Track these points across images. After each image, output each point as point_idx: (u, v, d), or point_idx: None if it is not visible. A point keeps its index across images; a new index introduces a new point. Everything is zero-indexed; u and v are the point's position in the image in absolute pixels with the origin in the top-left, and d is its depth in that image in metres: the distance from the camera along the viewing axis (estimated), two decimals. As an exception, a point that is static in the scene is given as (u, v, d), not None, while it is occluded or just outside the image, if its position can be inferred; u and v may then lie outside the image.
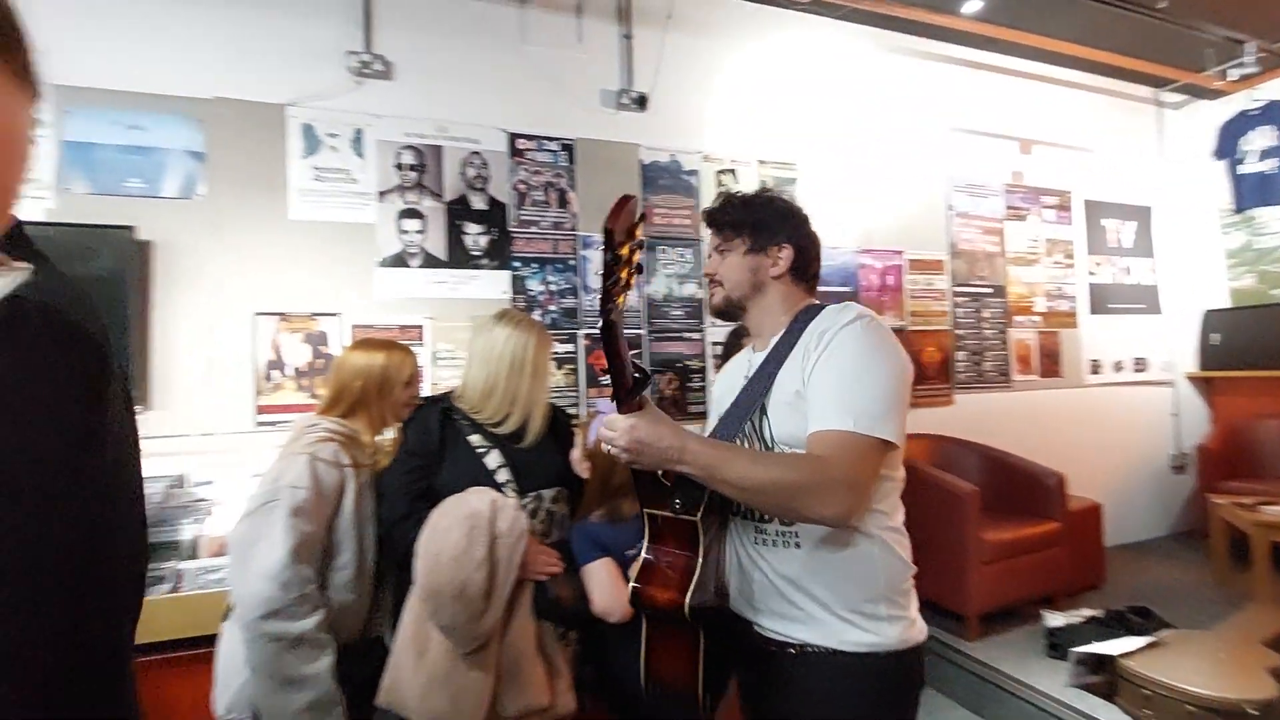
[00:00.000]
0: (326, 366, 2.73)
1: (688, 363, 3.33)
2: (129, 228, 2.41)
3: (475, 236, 3.02)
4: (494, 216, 3.04)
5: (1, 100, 0.26)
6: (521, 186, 3.09)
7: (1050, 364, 4.29)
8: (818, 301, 1.22)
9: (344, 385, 1.60)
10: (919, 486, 3.30)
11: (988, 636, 2.98)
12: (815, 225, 1.26)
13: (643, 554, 1.12)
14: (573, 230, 3.17)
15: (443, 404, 1.70)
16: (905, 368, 1.08)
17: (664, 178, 3.36)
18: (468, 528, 1.42)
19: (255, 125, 2.68)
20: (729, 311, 1.26)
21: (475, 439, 1.66)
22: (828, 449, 1.02)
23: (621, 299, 0.92)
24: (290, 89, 2.73)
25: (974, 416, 3.94)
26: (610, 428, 1.04)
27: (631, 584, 1.12)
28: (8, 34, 0.26)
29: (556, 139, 3.17)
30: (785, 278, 1.22)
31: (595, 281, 3.20)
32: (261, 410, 2.63)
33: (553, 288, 3.12)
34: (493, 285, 3.02)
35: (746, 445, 1.15)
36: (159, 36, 2.56)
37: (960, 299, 4.05)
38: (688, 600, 1.06)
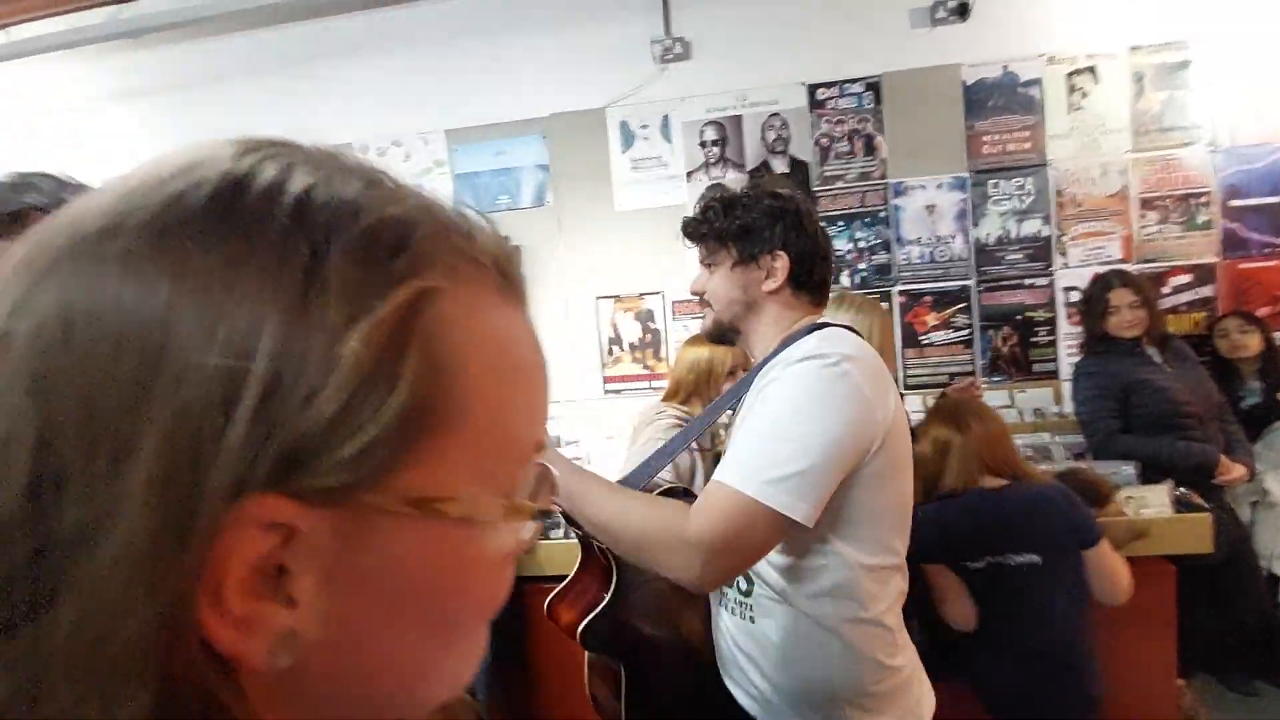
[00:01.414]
0: (655, 340, 3.06)
1: (1030, 314, 2.87)
2: (505, 238, 2.97)
3: (779, 201, 3.01)
4: (795, 178, 2.98)
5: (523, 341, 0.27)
6: (824, 141, 2.96)
7: None
8: (820, 318, 1.04)
9: (680, 378, 1.80)
10: None
11: None
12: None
13: (572, 572, 1.16)
14: (882, 179, 2.93)
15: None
16: (855, 430, 0.89)
17: (993, 98, 2.86)
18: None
19: (583, 131, 3.04)
20: (723, 336, 1.10)
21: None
22: (701, 503, 0.89)
23: None
24: (607, 91, 3.03)
25: None
26: None
27: (550, 597, 1.15)
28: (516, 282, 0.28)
29: (860, 79, 2.93)
30: (783, 291, 1.03)
31: (909, 232, 2.94)
32: (607, 380, 3.08)
33: (861, 244, 2.96)
34: (799, 248, 2.99)
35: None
36: (503, 72, 3.05)
37: None
38: (581, 625, 1.07)
